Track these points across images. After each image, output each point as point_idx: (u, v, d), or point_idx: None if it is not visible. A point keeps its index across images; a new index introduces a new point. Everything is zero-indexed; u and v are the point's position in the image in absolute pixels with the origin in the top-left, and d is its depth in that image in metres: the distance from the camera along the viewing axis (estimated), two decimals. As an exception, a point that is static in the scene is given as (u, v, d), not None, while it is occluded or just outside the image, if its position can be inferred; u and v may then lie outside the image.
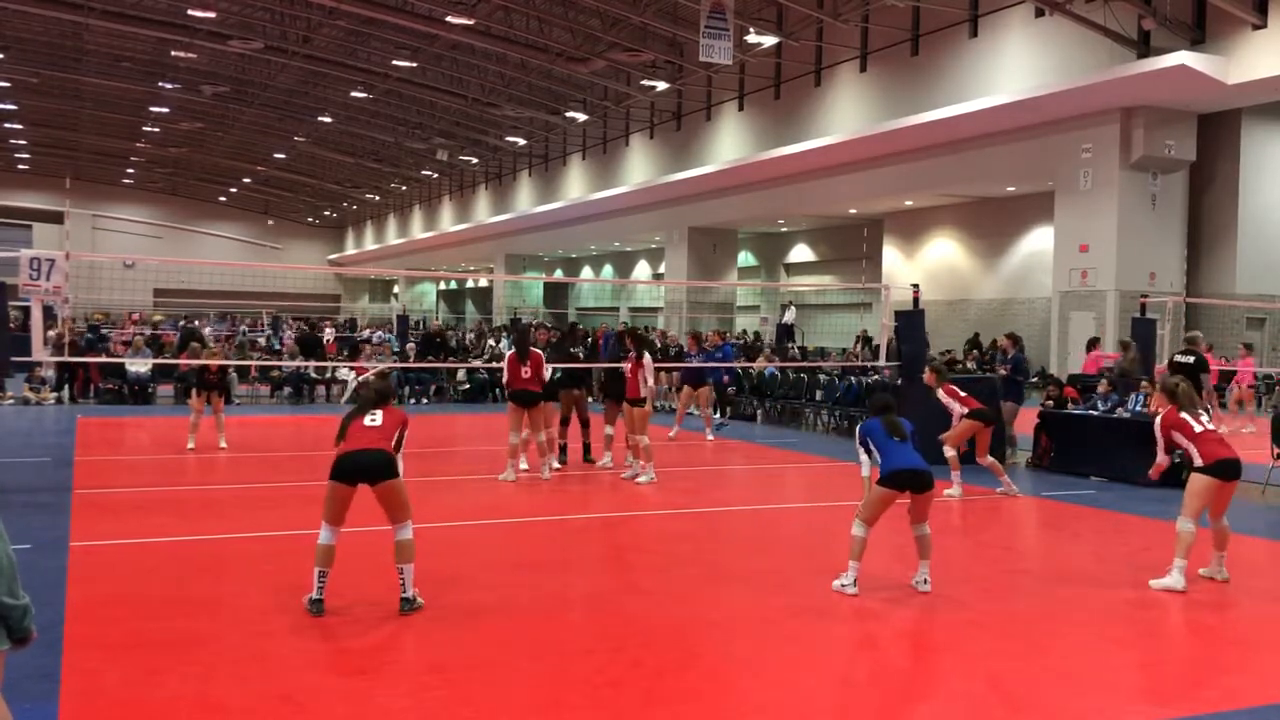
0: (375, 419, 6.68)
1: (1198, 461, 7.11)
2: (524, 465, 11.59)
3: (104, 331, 27.87)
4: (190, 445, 13.35)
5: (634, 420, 11.36)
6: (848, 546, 6.86)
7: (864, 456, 7.09)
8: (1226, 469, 7.05)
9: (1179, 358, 14.04)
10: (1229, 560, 7.44)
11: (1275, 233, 23.73)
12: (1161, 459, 7.51)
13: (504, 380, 11.56)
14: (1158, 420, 7.47)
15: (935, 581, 7.02)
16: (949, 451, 10.92)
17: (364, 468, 6.42)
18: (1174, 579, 7.00)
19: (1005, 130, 23.42)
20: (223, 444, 13.59)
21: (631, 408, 11.45)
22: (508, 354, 11.44)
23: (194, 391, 13.74)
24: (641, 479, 11.29)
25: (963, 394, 11.09)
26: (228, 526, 8.68)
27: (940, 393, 11.12)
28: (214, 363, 14.03)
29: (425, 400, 22.25)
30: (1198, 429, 7.16)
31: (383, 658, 5.34)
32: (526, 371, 11.13)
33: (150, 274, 45.09)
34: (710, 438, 15.82)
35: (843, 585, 6.83)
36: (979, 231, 30.07)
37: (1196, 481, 7.10)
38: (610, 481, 11.96)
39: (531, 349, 11.35)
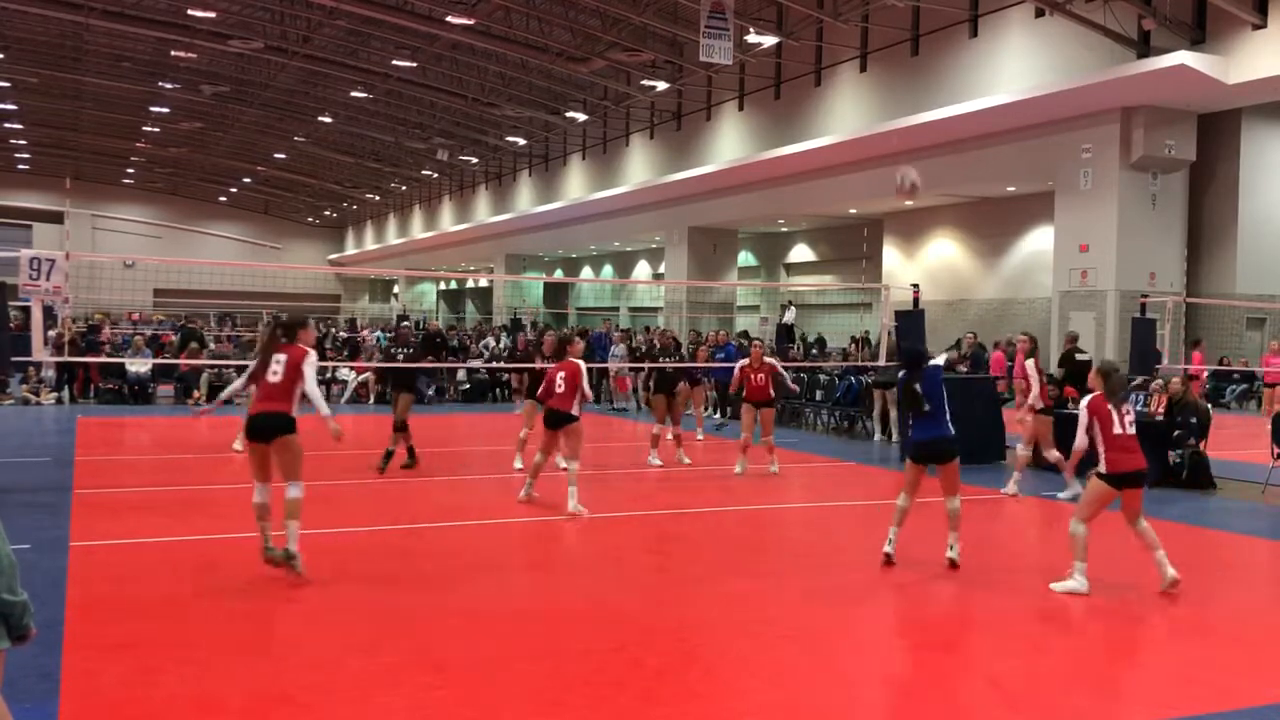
0: (278, 370, 7.00)
1: (1101, 467, 6.88)
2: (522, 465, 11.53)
3: (90, 328, 27.89)
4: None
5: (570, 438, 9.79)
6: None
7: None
8: (1130, 480, 6.83)
9: (1079, 356, 14.22)
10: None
11: (1275, 233, 23.73)
12: (1080, 445, 7.01)
13: (539, 392, 10.36)
14: (1085, 401, 7.03)
15: (935, 581, 7.02)
16: (1024, 451, 11.23)
17: (260, 429, 6.92)
18: (1076, 583, 6.86)
19: (1005, 130, 23.41)
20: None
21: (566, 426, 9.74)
22: (550, 365, 10.04)
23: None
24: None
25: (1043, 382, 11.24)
26: (227, 526, 8.67)
27: (1030, 364, 11.20)
28: (213, 363, 14.03)
29: (427, 400, 22.25)
30: (1116, 430, 6.82)
31: (383, 658, 5.34)
32: (560, 385, 9.53)
33: (150, 274, 45.08)
34: (700, 437, 15.95)
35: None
36: (979, 231, 30.07)
37: (1095, 486, 6.94)
38: (610, 482, 11.96)
39: (570, 360, 9.74)
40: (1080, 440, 6.94)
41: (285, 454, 6.88)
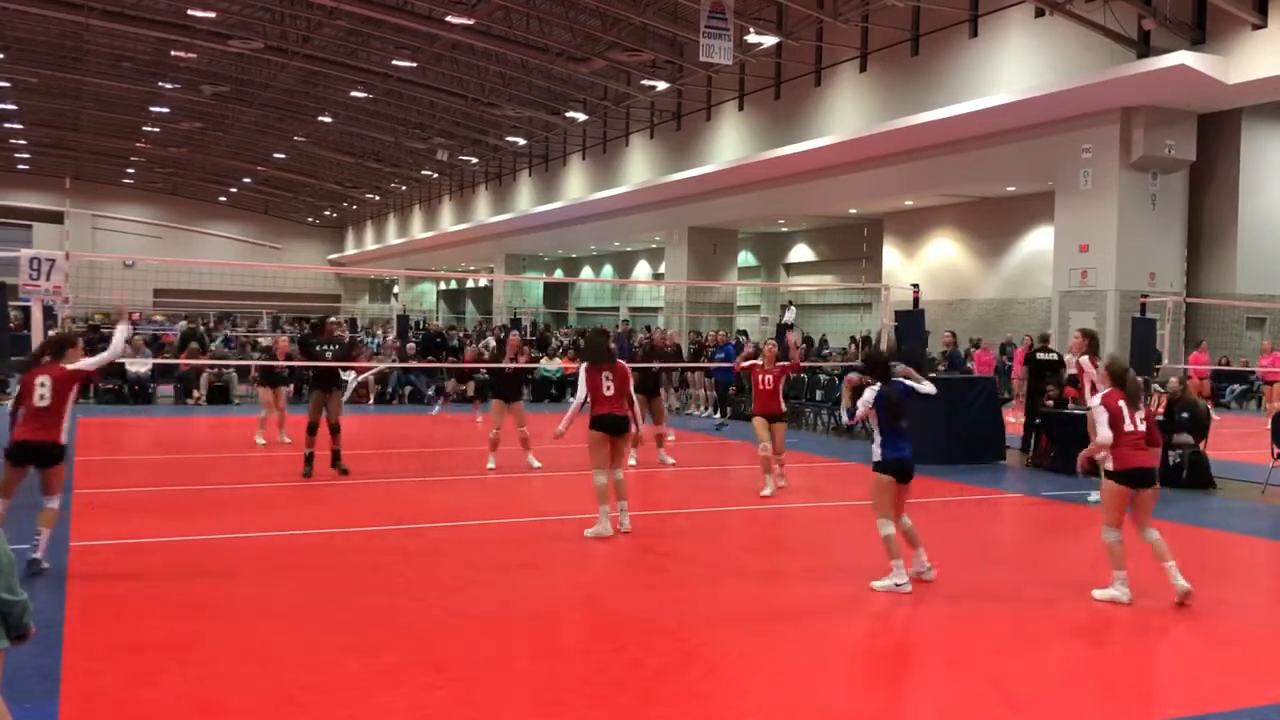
0: (44, 393, 6.86)
1: (1108, 464, 6.79)
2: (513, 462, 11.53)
3: (90, 328, 27.96)
4: (260, 441, 14.34)
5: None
6: (883, 548, 6.91)
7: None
8: (1142, 478, 6.72)
9: (1040, 355, 14.22)
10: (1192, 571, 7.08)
11: (1275, 233, 23.73)
12: (1104, 436, 6.76)
13: (584, 400, 8.74)
14: (1099, 398, 6.91)
15: (935, 582, 7.02)
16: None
17: (31, 453, 6.92)
18: (1118, 592, 6.73)
19: (1005, 130, 23.41)
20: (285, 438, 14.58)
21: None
22: (583, 367, 8.76)
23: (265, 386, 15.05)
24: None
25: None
26: (227, 526, 8.67)
27: (1085, 361, 10.11)
28: (211, 363, 14.03)
29: (429, 401, 22.24)
30: (1128, 427, 6.72)
31: (383, 658, 5.34)
32: (609, 388, 8.59)
33: (150, 274, 45.08)
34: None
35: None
36: (979, 231, 30.06)
37: (1108, 487, 6.81)
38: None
39: (618, 361, 8.94)
40: (1105, 434, 6.70)
41: (53, 478, 6.98)
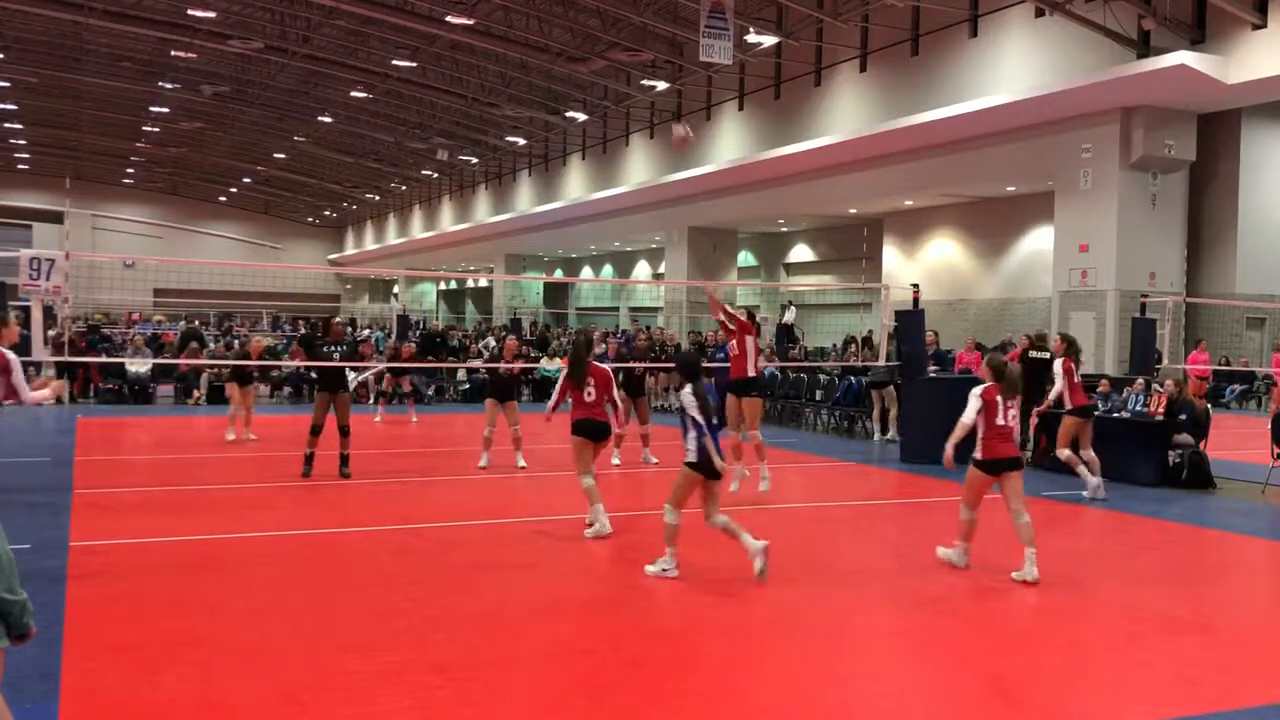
0: None
1: (976, 453, 7.33)
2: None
3: (91, 328, 27.94)
4: (230, 437, 14.58)
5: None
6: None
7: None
8: (1006, 465, 7.28)
9: (1033, 353, 14.36)
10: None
11: (1275, 233, 23.73)
12: (969, 418, 7.36)
13: (555, 404, 9.35)
14: (979, 389, 7.40)
15: (934, 582, 7.01)
16: (1064, 453, 10.97)
17: None
18: (955, 556, 7.53)
19: (1005, 130, 23.41)
20: (251, 435, 14.86)
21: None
22: (564, 375, 8.98)
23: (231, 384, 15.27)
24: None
25: (1076, 380, 11.09)
26: (227, 526, 8.67)
27: (1059, 365, 11.14)
28: (213, 362, 14.04)
29: (427, 400, 22.24)
30: (999, 421, 7.24)
31: (383, 658, 5.34)
32: (590, 394, 8.67)
33: (150, 274, 45.07)
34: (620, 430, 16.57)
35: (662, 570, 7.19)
36: (979, 231, 30.06)
37: (973, 474, 7.39)
38: (610, 482, 11.97)
39: (593, 364, 8.91)
40: (967, 418, 7.32)
41: None
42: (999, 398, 7.25)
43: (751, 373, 10.55)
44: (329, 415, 11.41)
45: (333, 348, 11.89)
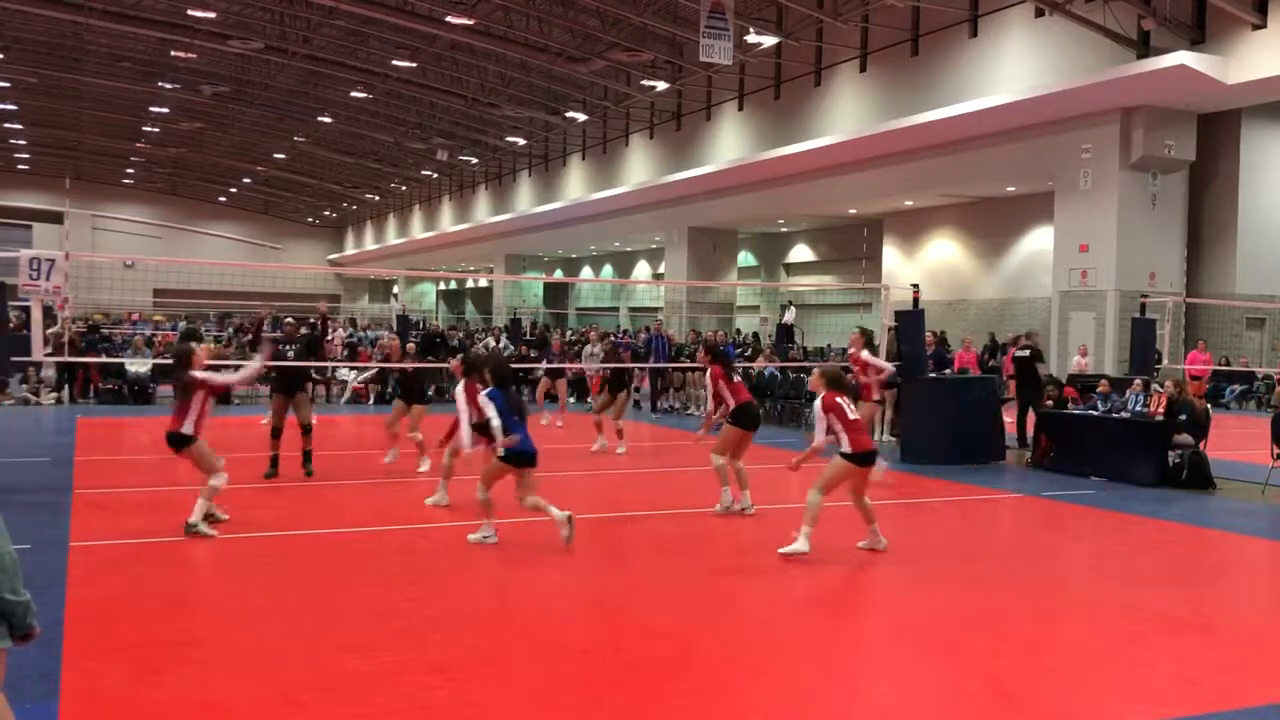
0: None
1: (845, 448, 7.68)
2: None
3: (91, 328, 27.90)
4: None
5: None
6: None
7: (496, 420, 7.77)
8: (866, 459, 7.73)
9: (1018, 352, 14.59)
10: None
11: (1275, 233, 23.73)
12: (820, 441, 7.84)
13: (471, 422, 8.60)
14: (818, 402, 7.88)
15: (935, 581, 7.01)
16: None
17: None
18: (800, 544, 7.57)
19: (1005, 130, 23.42)
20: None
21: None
22: (463, 385, 8.80)
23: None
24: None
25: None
26: (227, 526, 8.67)
27: (866, 354, 11.70)
28: (213, 361, 14.00)
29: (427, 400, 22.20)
30: (850, 415, 7.73)
31: (382, 658, 5.34)
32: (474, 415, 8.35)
33: (150, 274, 45.05)
34: (559, 424, 16.94)
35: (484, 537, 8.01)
36: (979, 231, 30.07)
37: (840, 464, 7.71)
38: (609, 481, 11.97)
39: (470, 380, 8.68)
40: (820, 438, 7.83)
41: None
42: (840, 400, 7.81)
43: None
44: (289, 417, 11.10)
45: (287, 347, 11.67)
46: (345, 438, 13.45)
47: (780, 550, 7.62)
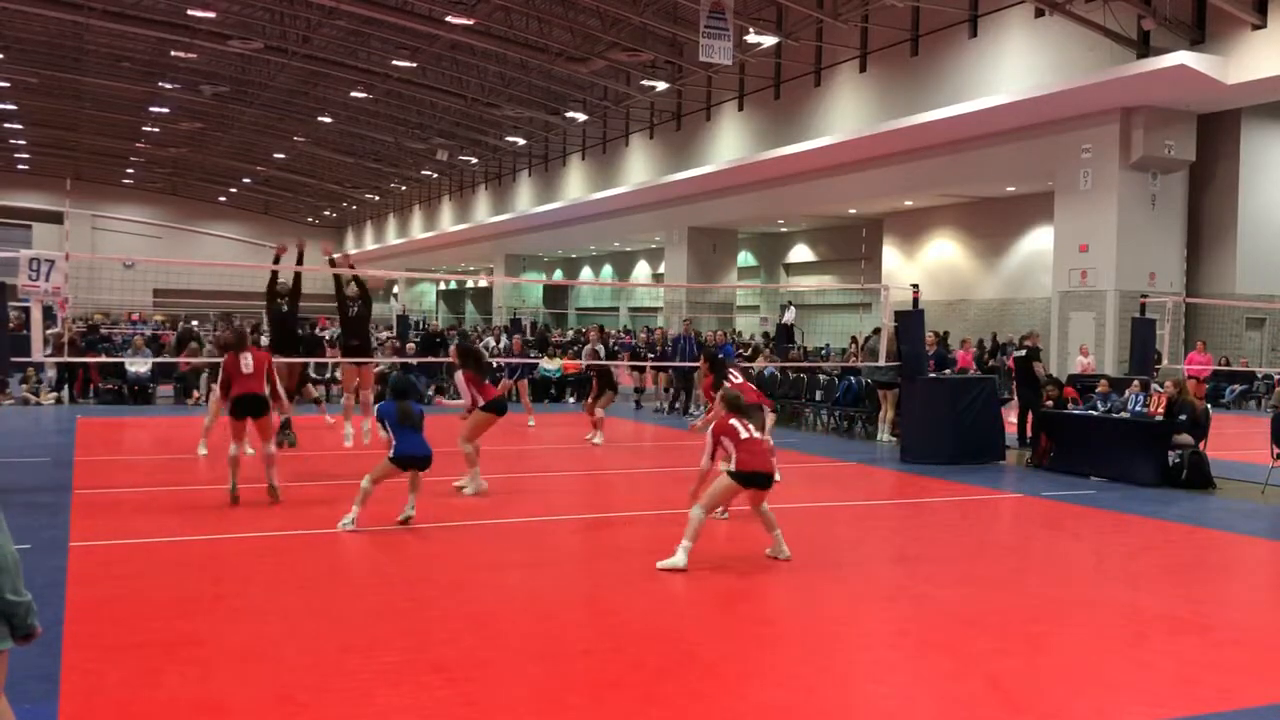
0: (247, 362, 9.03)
1: (733, 465, 7.58)
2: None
3: (91, 328, 27.87)
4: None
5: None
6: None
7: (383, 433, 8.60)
8: (757, 480, 7.54)
9: (1017, 353, 14.75)
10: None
11: (1275, 233, 23.74)
12: (705, 464, 7.74)
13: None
14: (711, 426, 7.86)
15: (935, 581, 7.00)
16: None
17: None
18: (679, 558, 7.34)
19: (1005, 130, 23.42)
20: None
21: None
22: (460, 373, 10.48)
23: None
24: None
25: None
26: (227, 526, 8.67)
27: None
28: (214, 361, 13.99)
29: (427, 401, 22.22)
30: (744, 436, 7.62)
31: (383, 658, 5.34)
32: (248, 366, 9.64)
33: (150, 274, 44.97)
34: (531, 423, 17.14)
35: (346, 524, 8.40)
36: (979, 231, 30.08)
37: (725, 481, 7.54)
38: (610, 481, 11.97)
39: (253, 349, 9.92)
40: (705, 463, 7.72)
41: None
42: (734, 421, 7.70)
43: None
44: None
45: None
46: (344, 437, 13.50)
47: (659, 565, 7.31)
